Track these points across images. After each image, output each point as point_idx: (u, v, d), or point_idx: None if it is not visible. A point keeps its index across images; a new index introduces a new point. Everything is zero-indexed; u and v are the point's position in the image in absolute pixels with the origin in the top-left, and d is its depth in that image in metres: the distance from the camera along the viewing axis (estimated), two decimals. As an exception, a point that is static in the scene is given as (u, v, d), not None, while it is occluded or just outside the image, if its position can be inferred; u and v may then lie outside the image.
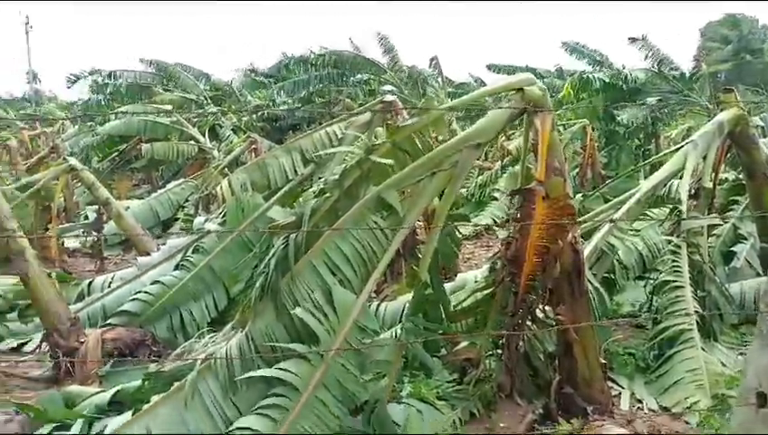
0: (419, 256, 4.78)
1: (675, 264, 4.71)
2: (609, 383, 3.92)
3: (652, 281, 4.92)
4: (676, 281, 4.59)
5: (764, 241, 5.57)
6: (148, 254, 6.55)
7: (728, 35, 31.78)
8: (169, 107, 13.11)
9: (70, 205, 9.62)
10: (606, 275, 5.01)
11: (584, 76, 11.60)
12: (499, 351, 3.88)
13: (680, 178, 5.21)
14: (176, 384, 3.08)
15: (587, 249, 4.33)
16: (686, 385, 3.90)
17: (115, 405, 3.31)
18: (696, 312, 4.38)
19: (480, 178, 10.84)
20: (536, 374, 3.83)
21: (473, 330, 3.97)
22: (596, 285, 4.43)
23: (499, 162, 11.12)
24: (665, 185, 5.41)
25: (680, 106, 12.29)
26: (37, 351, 4.86)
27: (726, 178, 7.04)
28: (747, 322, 4.88)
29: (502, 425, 3.55)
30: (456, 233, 3.95)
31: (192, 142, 11.79)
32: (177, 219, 9.57)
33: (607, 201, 6.10)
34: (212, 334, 4.04)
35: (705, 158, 5.28)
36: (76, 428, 3.16)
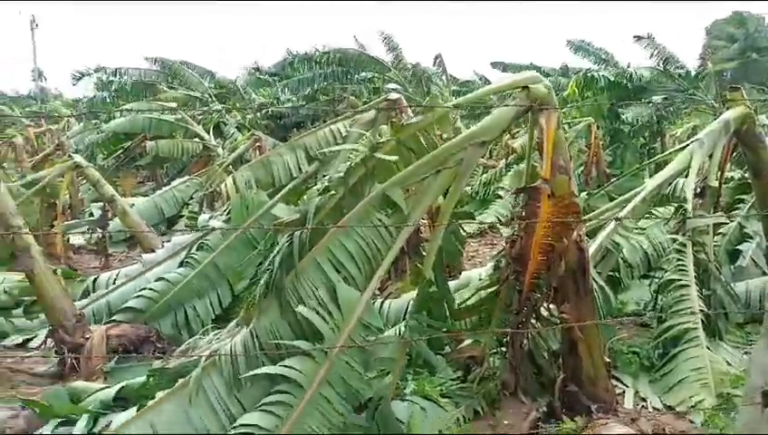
0: (423, 253, 4.78)
1: (680, 262, 4.69)
2: (614, 382, 3.92)
3: (657, 280, 4.90)
4: (681, 280, 4.57)
5: (770, 240, 5.54)
6: (153, 251, 6.56)
7: (734, 34, 31.58)
8: (174, 104, 13.13)
9: (75, 202, 9.64)
10: (611, 273, 5.00)
11: (589, 74, 11.58)
12: (503, 349, 3.88)
13: (686, 176, 5.19)
14: (180, 381, 3.09)
15: (592, 248, 4.32)
16: (690, 384, 3.89)
17: (120, 401, 3.32)
18: (702, 311, 4.36)
19: (484, 176, 10.83)
20: (540, 372, 3.82)
21: (477, 328, 3.97)
22: (601, 283, 4.42)
23: (503, 160, 11.09)
24: (670, 183, 5.39)
25: (686, 104, 12.24)
26: (42, 347, 4.89)
27: (732, 177, 7.01)
28: (753, 321, 4.86)
29: (506, 423, 3.54)
30: (461, 231, 3.95)
31: (197, 140, 11.81)
32: (181, 216, 9.59)
33: (612, 199, 6.08)
34: (216, 331, 4.05)
35: (711, 156, 5.26)
36: (81, 423, 3.17)
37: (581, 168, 10.69)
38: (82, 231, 8.48)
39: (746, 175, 6.49)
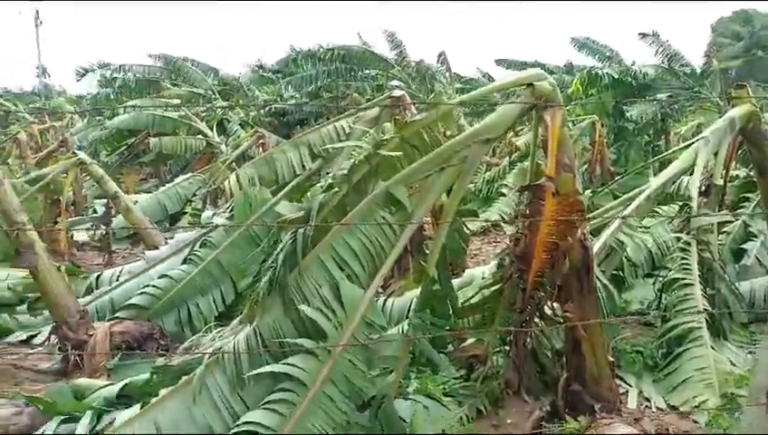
0: (427, 251, 4.77)
1: (684, 261, 4.67)
2: (617, 381, 3.90)
3: (661, 278, 4.88)
4: (685, 279, 4.55)
5: (775, 239, 5.52)
6: (156, 248, 6.57)
7: (740, 32, 31.44)
8: (177, 101, 13.14)
9: (78, 198, 9.66)
10: (615, 272, 4.98)
11: (593, 72, 11.54)
12: (506, 347, 3.87)
13: (691, 174, 5.17)
14: (184, 378, 3.09)
15: (596, 246, 4.31)
16: (694, 384, 3.88)
17: (123, 398, 3.33)
18: (706, 310, 4.34)
19: (488, 173, 10.81)
20: (543, 371, 3.81)
21: (480, 326, 3.96)
22: (605, 282, 4.41)
23: (507, 158, 11.07)
24: (675, 182, 5.38)
25: (690, 102, 12.19)
26: (46, 343, 4.90)
27: (737, 175, 6.99)
28: (757, 320, 4.85)
29: (509, 422, 3.54)
30: (465, 229, 3.93)
31: (200, 137, 11.81)
32: (184, 213, 9.59)
33: (616, 198, 6.07)
34: (219, 329, 4.05)
35: (716, 154, 5.24)
36: (85, 420, 3.18)
37: (585, 166, 10.66)
38: (86, 228, 8.49)
39: (751, 173, 6.46)
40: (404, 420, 3.27)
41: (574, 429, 3.33)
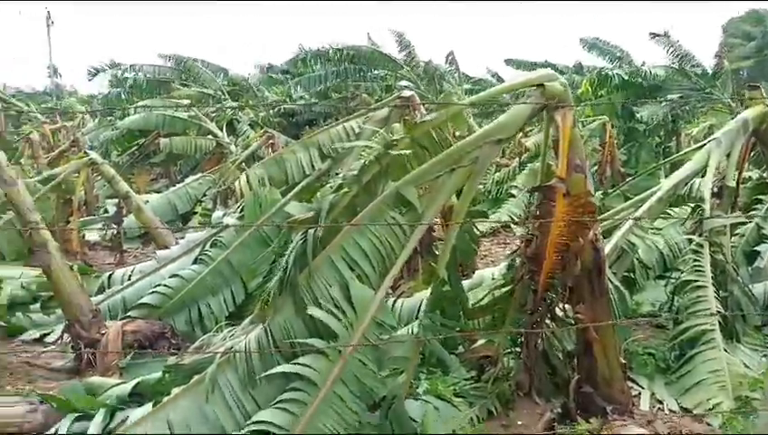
0: (436, 252, 4.77)
1: (696, 263, 4.64)
2: (629, 383, 3.88)
3: (673, 280, 4.85)
4: (697, 281, 4.52)
5: (789, 241, 5.47)
6: (167, 247, 6.61)
7: (751, 32, 31.16)
8: (188, 102, 13.21)
9: (90, 198, 9.73)
10: (626, 273, 4.96)
11: (603, 73, 11.47)
12: (517, 349, 3.86)
13: (703, 176, 5.13)
14: (195, 377, 3.11)
15: (607, 247, 4.28)
16: (708, 386, 3.85)
17: (136, 396, 3.35)
18: (719, 312, 4.30)
19: (497, 174, 10.77)
20: (555, 373, 3.80)
21: (491, 327, 3.95)
22: (616, 283, 4.38)
23: (517, 159, 11.03)
24: (687, 183, 5.33)
25: (702, 103, 12.09)
26: (59, 342, 4.94)
27: (750, 177, 6.92)
28: (771, 323, 4.79)
29: (520, 423, 3.53)
30: (475, 230, 3.93)
31: (210, 137, 11.87)
32: (195, 213, 9.64)
33: (627, 199, 6.03)
34: (230, 328, 4.06)
35: (728, 156, 5.20)
36: (98, 418, 3.20)
37: (596, 167, 10.60)
38: (98, 227, 8.56)
39: (764, 175, 6.42)
40: (414, 421, 3.27)
41: (586, 431, 3.32)
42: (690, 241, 4.93)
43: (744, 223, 5.79)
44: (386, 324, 3.17)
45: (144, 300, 5.15)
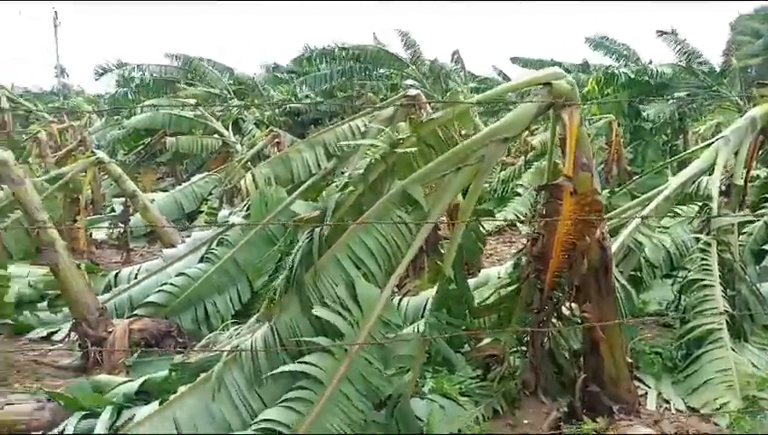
0: (442, 251, 4.76)
1: (704, 262, 4.61)
2: (636, 383, 3.86)
3: (680, 279, 4.82)
4: (705, 279, 4.49)
5: (798, 240, 5.43)
6: (174, 246, 6.63)
7: (759, 29, 30.89)
8: (194, 101, 13.24)
9: (97, 197, 9.78)
10: (633, 272, 4.94)
11: (609, 71, 11.43)
12: (523, 348, 3.85)
13: (710, 174, 5.10)
14: (202, 375, 3.12)
15: (614, 246, 4.27)
16: (715, 386, 3.82)
17: (142, 395, 3.36)
18: (726, 311, 4.28)
19: (503, 173, 10.75)
20: (561, 372, 3.79)
21: (497, 326, 3.94)
22: (623, 282, 4.36)
23: (522, 157, 11.00)
24: (694, 182, 5.31)
25: (709, 101, 12.02)
26: (66, 340, 4.97)
27: (758, 175, 6.87)
28: (779, 322, 4.75)
29: (526, 422, 3.52)
30: (481, 228, 3.92)
31: (216, 136, 11.90)
32: (201, 212, 9.67)
33: (634, 198, 6.00)
34: (236, 327, 4.08)
35: (736, 154, 5.17)
36: (105, 415, 3.22)
37: (602, 166, 10.56)
38: (104, 226, 8.59)
39: (773, 173, 6.36)
40: (420, 420, 3.26)
41: (592, 430, 3.31)
42: (697, 240, 4.90)
43: (751, 221, 5.74)
44: (392, 323, 3.17)
45: (150, 298, 5.17)
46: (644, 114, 11.46)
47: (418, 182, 3.33)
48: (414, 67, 14.65)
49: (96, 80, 16.01)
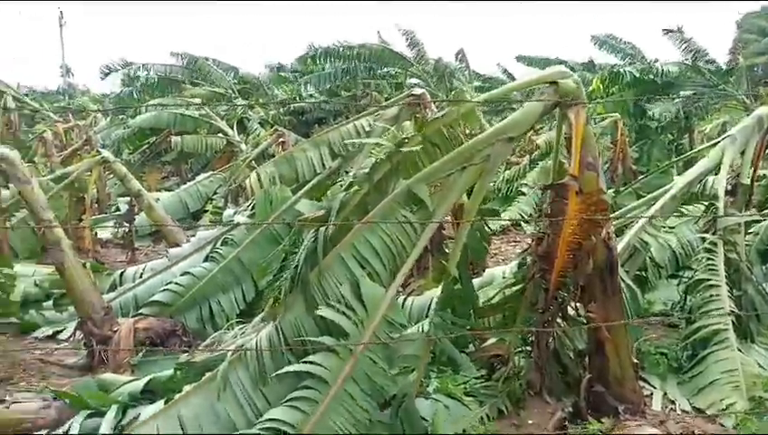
0: (446, 251, 4.75)
1: (710, 262, 4.58)
2: (641, 383, 3.85)
3: (686, 279, 4.80)
4: (711, 280, 4.47)
5: (804, 240, 5.39)
6: (178, 245, 6.65)
7: (766, 27, 30.72)
8: (199, 100, 13.27)
9: (102, 196, 9.81)
10: (638, 272, 4.92)
11: (614, 70, 11.39)
12: (528, 348, 3.84)
13: (717, 173, 5.08)
14: (207, 375, 3.12)
15: (619, 246, 4.25)
16: (721, 386, 3.80)
17: (147, 393, 3.37)
18: (732, 311, 4.26)
19: (507, 172, 10.73)
20: (566, 372, 3.77)
21: (502, 326, 3.93)
22: (628, 282, 4.35)
23: (527, 157, 10.97)
24: (700, 181, 5.28)
25: (715, 100, 11.96)
26: (72, 339, 4.99)
27: (765, 175, 6.84)
28: (786, 323, 4.73)
29: (530, 423, 3.51)
30: (486, 228, 3.91)
31: (220, 135, 11.92)
32: (206, 211, 9.69)
33: (639, 197, 5.98)
34: (241, 326, 4.08)
35: (743, 153, 5.14)
36: (110, 414, 3.22)
37: (607, 165, 10.52)
38: (110, 225, 8.62)
39: (780, 173, 6.32)
40: (425, 420, 3.26)
41: (597, 430, 3.30)
42: (703, 239, 4.87)
43: (758, 221, 5.71)
44: (396, 323, 3.17)
45: (155, 298, 5.19)
46: (649, 113, 11.42)
47: (423, 182, 3.32)
48: (418, 66, 14.63)
49: (101, 79, 16.08)
